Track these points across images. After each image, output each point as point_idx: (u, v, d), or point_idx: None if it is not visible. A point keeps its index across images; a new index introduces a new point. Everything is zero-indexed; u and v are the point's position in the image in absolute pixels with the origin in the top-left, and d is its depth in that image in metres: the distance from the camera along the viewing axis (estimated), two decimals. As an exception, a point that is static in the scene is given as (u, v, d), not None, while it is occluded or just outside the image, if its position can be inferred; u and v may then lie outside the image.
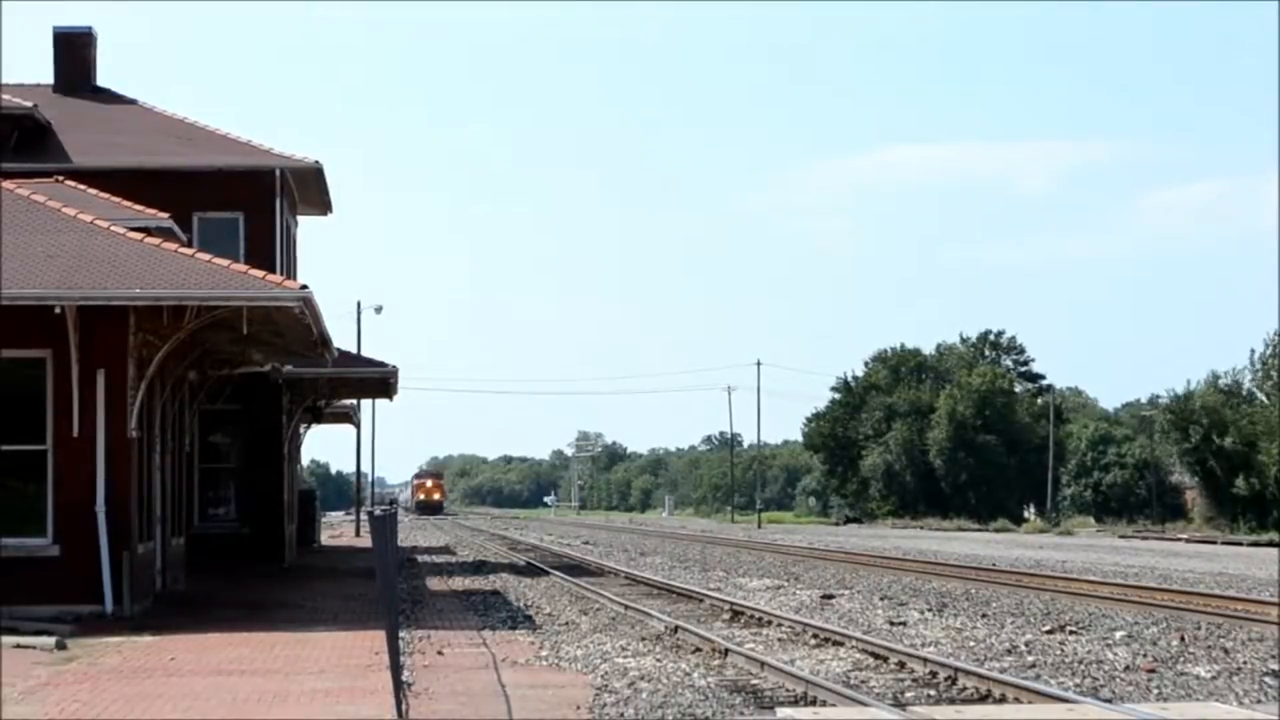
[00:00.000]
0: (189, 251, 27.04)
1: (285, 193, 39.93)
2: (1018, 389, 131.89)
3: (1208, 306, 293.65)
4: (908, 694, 16.72)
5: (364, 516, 60.12)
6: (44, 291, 24.14)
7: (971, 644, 21.50)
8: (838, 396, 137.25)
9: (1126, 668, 18.80)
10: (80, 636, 21.38)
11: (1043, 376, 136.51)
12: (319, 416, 50.20)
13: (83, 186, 32.15)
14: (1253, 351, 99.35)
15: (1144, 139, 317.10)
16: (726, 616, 26.11)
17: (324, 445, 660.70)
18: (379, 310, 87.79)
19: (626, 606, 27.30)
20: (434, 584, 35.06)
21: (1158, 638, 22.29)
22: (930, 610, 27.23)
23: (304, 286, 25.80)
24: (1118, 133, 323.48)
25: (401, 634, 18.14)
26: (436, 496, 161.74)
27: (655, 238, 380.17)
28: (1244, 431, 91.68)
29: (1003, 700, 15.97)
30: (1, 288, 23.82)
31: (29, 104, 38.47)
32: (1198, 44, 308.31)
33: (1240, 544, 69.91)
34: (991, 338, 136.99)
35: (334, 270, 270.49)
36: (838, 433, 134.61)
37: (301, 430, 48.49)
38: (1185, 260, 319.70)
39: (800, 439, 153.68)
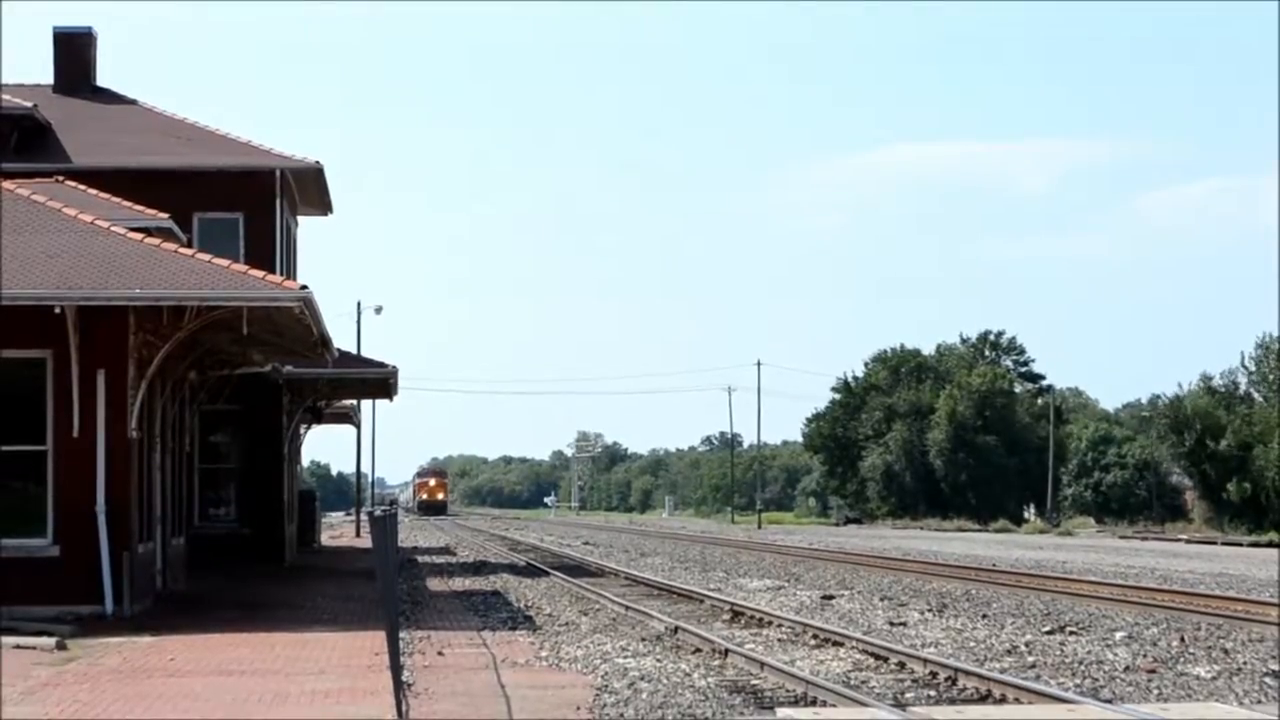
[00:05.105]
0: (189, 251, 27.04)
1: (285, 193, 39.93)
2: (1018, 389, 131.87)
3: (1208, 306, 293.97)
4: (908, 694, 16.72)
5: (364, 517, 60.12)
6: (44, 291, 24.13)
7: (972, 644, 21.50)
8: (838, 397, 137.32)
9: (1127, 668, 18.80)
10: (80, 637, 21.37)
11: (1043, 376, 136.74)
12: (319, 417, 50.21)
13: (83, 186, 32.15)
14: (1243, 353, 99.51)
15: (1144, 139, 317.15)
16: (727, 617, 26.11)
17: (324, 445, 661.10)
18: (379, 310, 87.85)
19: (627, 607, 27.30)
20: (434, 584, 35.06)
21: (1158, 638, 22.29)
22: (930, 611, 27.23)
23: (304, 286, 25.80)
24: (1118, 133, 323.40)
25: (402, 634, 18.13)
26: (440, 496, 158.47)
27: (655, 237, 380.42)
28: (1240, 434, 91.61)
29: (1003, 700, 15.96)
30: (1, 288, 23.82)
31: (29, 104, 38.48)
32: (1198, 44, 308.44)
33: (1240, 544, 69.93)
34: (991, 338, 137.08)
35: (334, 270, 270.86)
36: (838, 433, 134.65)
37: (301, 430, 48.49)
38: (1185, 260, 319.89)
39: (800, 439, 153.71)
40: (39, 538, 24.64)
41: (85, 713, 14.95)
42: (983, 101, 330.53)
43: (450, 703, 15.58)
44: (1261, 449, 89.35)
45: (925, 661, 18.65)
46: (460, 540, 69.34)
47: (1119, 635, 22.64)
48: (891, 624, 24.72)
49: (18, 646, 20.02)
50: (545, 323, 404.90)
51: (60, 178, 33.01)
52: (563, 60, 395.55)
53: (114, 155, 38.50)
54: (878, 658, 19.71)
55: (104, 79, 43.73)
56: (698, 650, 20.70)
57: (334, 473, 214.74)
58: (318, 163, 39.98)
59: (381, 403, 68.99)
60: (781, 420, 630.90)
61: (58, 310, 24.19)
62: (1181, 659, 19.75)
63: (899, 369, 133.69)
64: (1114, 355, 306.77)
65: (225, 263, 26.09)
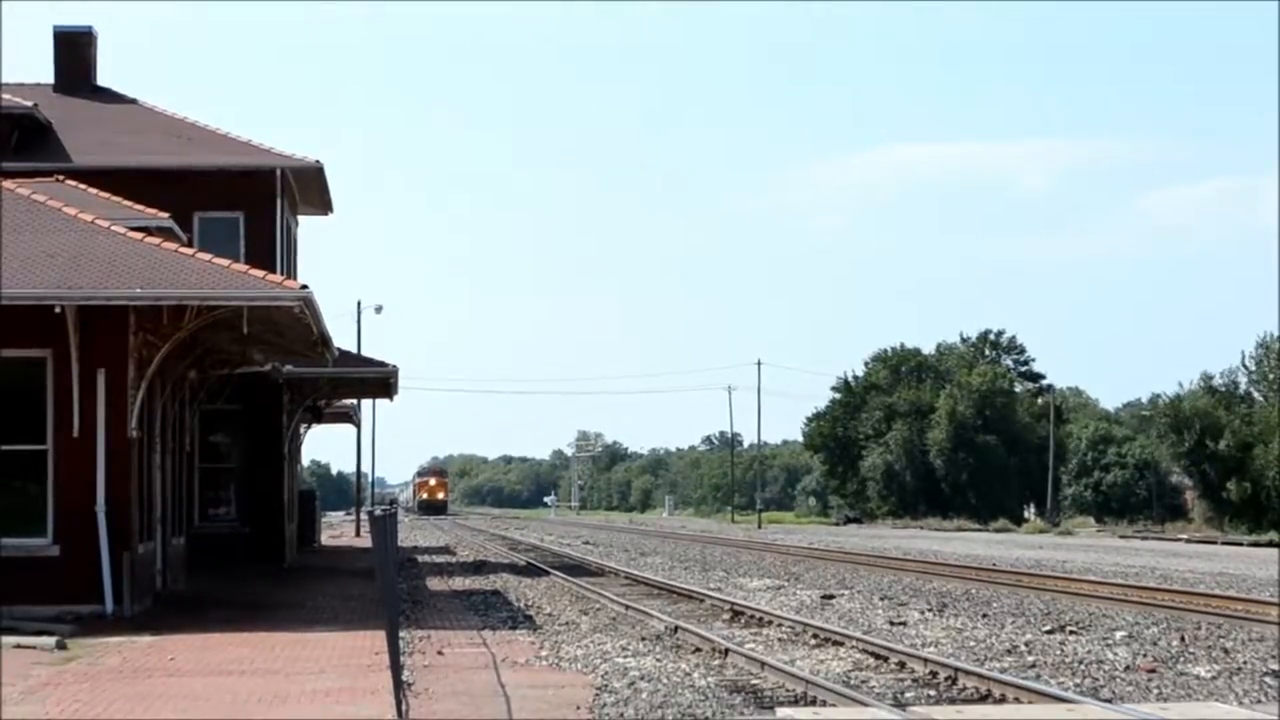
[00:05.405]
0: (189, 251, 27.03)
1: (285, 193, 39.93)
2: (1018, 389, 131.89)
3: (1208, 306, 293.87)
4: (908, 694, 16.72)
5: (364, 516, 60.12)
6: (44, 291, 24.13)
7: (972, 644, 21.50)
8: (838, 396, 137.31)
9: (1127, 668, 18.80)
10: (80, 636, 21.37)
11: (1043, 376, 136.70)
12: (319, 416, 50.20)
13: (83, 186, 32.15)
14: (1243, 353, 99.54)
15: (1144, 139, 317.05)
16: (727, 616, 26.11)
17: (324, 445, 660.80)
18: (379, 310, 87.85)
19: (627, 606, 27.30)
20: (434, 584, 35.06)
21: (1158, 638, 22.29)
22: (930, 610, 27.23)
23: (304, 286, 25.80)
24: (1118, 133, 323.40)
25: (401, 634, 18.13)
26: (440, 495, 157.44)
27: (655, 238, 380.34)
28: (1240, 434, 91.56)
29: (1003, 700, 15.96)
30: (1, 288, 23.82)
31: (29, 104, 38.48)
32: (1198, 44, 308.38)
33: (1240, 544, 69.92)
34: (991, 337, 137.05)
35: (334, 270, 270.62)
36: (838, 433, 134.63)
37: (301, 430, 48.48)
38: (1185, 259, 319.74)
39: (800, 439, 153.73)
40: (39, 537, 24.63)
41: (85, 712, 14.95)
42: (983, 101, 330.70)
43: (450, 702, 15.58)
44: (1261, 449, 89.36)
45: (925, 661, 18.65)
46: (460, 540, 69.34)
47: (1119, 635, 22.64)
48: (891, 623, 24.71)
49: (18, 646, 20.02)
50: (545, 323, 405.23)
51: (60, 177, 33.01)
52: (562, 60, 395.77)
53: (114, 155, 38.51)
54: (878, 657, 19.71)
55: (104, 79, 43.81)
56: (698, 650, 20.71)
57: (334, 472, 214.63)
58: (318, 162, 39.98)
59: (381, 402, 69.02)
60: (781, 420, 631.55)
61: (58, 310, 24.18)
62: (1181, 659, 19.75)
63: (899, 368, 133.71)
64: (1114, 355, 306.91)
65: (225, 262, 26.08)
